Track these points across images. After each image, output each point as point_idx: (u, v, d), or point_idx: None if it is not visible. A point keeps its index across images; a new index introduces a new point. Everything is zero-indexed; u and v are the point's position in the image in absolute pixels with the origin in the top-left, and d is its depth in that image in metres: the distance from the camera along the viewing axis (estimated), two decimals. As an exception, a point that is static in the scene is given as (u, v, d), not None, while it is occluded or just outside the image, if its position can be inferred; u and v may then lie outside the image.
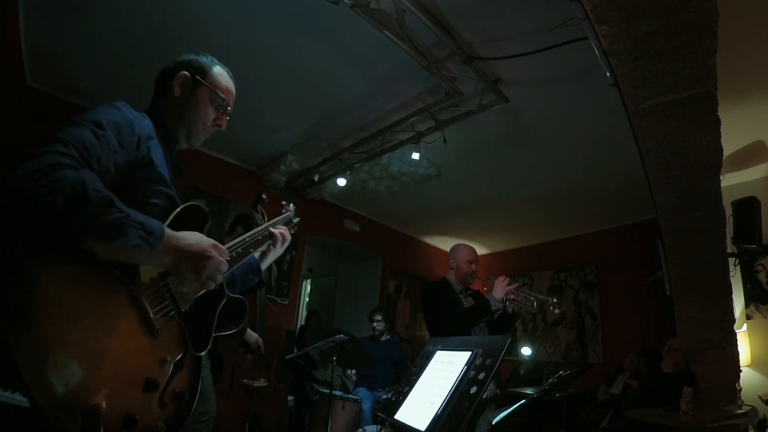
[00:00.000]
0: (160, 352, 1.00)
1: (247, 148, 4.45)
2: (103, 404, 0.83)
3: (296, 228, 1.72)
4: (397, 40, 2.67)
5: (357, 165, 4.26)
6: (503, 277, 2.60)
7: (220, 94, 1.29)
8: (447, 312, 2.57)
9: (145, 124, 1.13)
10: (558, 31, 2.49)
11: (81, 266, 0.89)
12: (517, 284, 2.64)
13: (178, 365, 1.04)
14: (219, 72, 1.31)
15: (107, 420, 0.84)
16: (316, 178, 4.62)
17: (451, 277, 2.82)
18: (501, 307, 2.56)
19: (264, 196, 1.84)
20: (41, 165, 0.85)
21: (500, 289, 2.55)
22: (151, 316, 0.98)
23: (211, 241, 1.09)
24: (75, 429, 0.80)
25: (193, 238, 1.05)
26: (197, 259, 1.03)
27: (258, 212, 1.75)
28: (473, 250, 2.88)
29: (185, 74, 1.25)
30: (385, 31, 2.61)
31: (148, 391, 0.95)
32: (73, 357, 0.82)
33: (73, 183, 0.85)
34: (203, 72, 1.28)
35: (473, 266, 2.79)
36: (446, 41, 2.69)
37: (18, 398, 1.88)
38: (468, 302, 2.73)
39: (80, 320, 0.85)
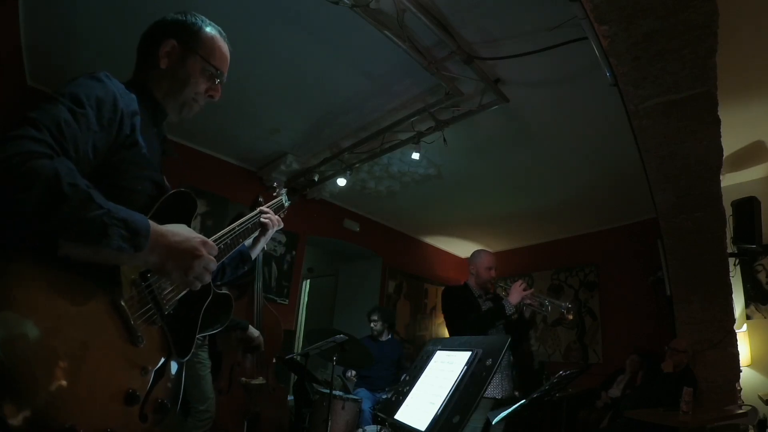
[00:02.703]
0: (141, 361, 0.91)
1: (247, 148, 4.44)
2: (80, 426, 0.75)
3: (286, 212, 1.63)
4: (397, 40, 2.67)
5: (357, 165, 4.25)
6: (520, 282, 2.66)
7: (213, 63, 1.13)
8: (463, 315, 2.66)
9: (129, 98, 0.99)
10: (558, 31, 2.49)
11: (54, 265, 0.77)
12: (533, 290, 2.67)
13: (159, 373, 0.95)
14: (210, 36, 1.14)
15: None
16: (316, 178, 4.62)
17: (472, 282, 2.91)
18: (516, 312, 2.61)
19: (261, 199, 1.88)
20: (10, 153, 0.72)
21: (516, 294, 2.60)
22: (132, 323, 0.88)
23: (201, 237, 0.97)
24: None
25: (182, 233, 0.93)
26: (186, 257, 0.92)
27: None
28: (493, 256, 2.96)
29: (173, 43, 1.09)
30: (385, 31, 2.61)
31: (128, 405, 0.86)
32: (47, 372, 0.73)
33: (47, 177, 0.73)
34: (193, 38, 1.11)
35: (492, 272, 2.86)
36: (446, 41, 2.68)
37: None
38: (487, 306, 2.80)
39: (55, 329, 0.75)
